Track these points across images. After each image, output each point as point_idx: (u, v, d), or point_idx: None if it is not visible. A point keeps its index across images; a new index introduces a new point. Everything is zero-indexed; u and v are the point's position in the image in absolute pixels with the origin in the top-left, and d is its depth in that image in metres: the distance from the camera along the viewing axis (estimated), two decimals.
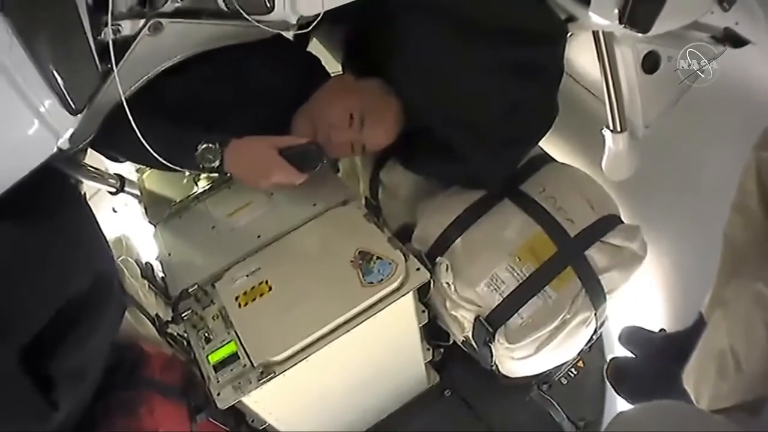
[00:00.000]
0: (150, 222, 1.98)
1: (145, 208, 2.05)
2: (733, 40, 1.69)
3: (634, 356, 2.09)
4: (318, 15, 1.46)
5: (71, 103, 1.33)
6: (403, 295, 1.58)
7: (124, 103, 1.40)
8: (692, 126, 1.94)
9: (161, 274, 1.93)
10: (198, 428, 1.77)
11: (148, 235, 2.00)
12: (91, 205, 1.69)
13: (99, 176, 2.03)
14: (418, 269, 1.61)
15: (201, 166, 1.59)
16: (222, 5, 1.43)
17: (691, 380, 1.64)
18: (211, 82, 1.72)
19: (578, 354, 2.06)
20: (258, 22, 1.45)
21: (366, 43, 1.95)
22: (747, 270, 1.54)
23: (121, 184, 2.10)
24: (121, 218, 2.42)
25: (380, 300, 1.56)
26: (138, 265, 2.11)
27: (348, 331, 1.53)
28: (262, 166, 1.63)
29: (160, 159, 1.53)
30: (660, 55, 1.80)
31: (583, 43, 1.88)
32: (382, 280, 1.57)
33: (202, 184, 2.00)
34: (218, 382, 1.50)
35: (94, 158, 1.98)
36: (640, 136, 1.91)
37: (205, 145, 1.57)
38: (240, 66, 1.75)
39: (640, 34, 1.56)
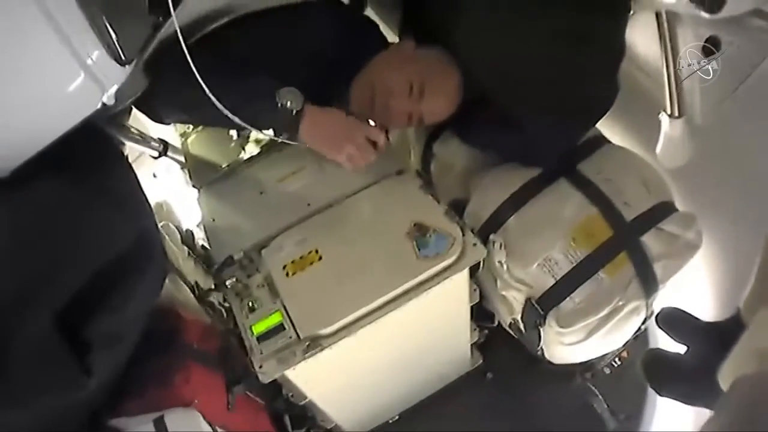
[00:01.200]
0: (194, 186, 1.92)
1: (189, 172, 1.98)
2: None
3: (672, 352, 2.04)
4: None
5: (120, 53, 1.27)
6: (459, 271, 1.53)
7: (185, 49, 1.34)
8: (750, 115, 1.87)
9: (202, 242, 1.87)
10: (235, 401, 1.74)
11: (189, 202, 1.95)
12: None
13: (142, 139, 1.99)
14: (474, 245, 1.56)
15: (280, 116, 1.55)
16: None
17: (729, 382, 1.58)
18: (273, 40, 1.67)
19: (624, 344, 2.00)
20: None
21: (423, 9, 1.89)
22: None
23: (164, 148, 2.07)
24: (162, 184, 2.37)
25: (435, 275, 1.51)
26: (179, 232, 2.07)
27: (400, 305, 1.48)
28: (345, 134, 1.61)
29: (226, 111, 1.47)
30: (721, 40, 1.73)
31: (644, 24, 1.81)
32: (438, 253, 1.51)
33: (250, 150, 1.94)
34: (261, 353, 1.45)
35: (137, 121, 1.94)
36: (697, 122, 1.85)
37: (286, 92, 1.53)
38: (300, 26, 1.70)
39: (705, 16, 1.49)
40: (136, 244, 1.44)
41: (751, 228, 1.60)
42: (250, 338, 1.49)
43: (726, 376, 1.57)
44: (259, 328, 1.49)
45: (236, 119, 1.49)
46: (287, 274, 1.56)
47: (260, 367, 1.44)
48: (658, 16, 1.70)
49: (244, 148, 1.94)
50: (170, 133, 2.14)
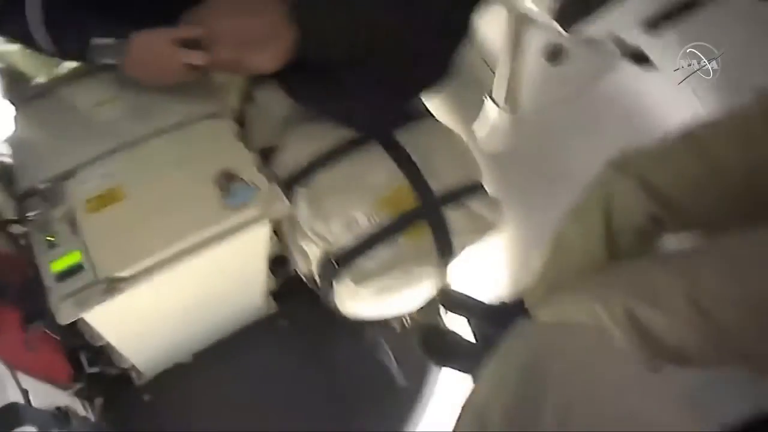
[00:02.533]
0: (9, 101, 1.78)
1: (7, 84, 1.84)
2: (639, 58, 1.73)
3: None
4: None
5: None
6: (261, 224, 1.57)
7: None
8: (571, 121, 1.98)
9: (8, 161, 1.76)
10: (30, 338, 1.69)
11: (4, 115, 1.82)
12: None
13: None
14: (280, 199, 1.59)
15: (95, 59, 1.51)
16: None
17: None
18: None
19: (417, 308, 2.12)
20: None
21: None
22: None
23: None
24: None
25: (238, 225, 1.54)
26: None
27: (200, 253, 1.50)
28: (163, 62, 1.57)
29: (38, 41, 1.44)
30: (565, 48, 1.82)
31: (491, 13, 1.87)
32: (243, 203, 1.54)
33: (69, 65, 1.82)
34: (59, 295, 1.41)
35: None
36: (517, 114, 1.95)
37: (100, 41, 1.49)
38: None
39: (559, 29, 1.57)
40: None
41: (548, 222, 1.73)
42: (48, 276, 1.44)
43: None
44: (58, 266, 1.44)
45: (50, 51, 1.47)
46: (89, 211, 1.51)
47: (58, 308, 1.40)
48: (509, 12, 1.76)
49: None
50: None
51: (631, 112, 1.79)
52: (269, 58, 1.72)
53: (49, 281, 1.43)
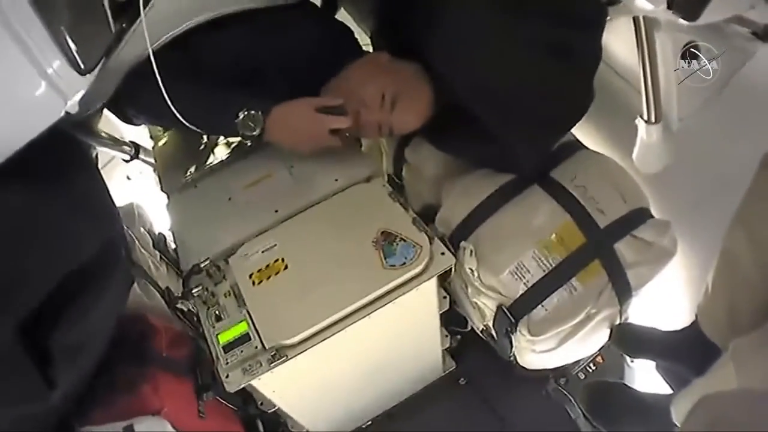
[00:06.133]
0: (163, 191, 1.92)
1: (159, 177, 1.98)
2: None
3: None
4: None
5: (80, 64, 1.26)
6: (426, 281, 1.51)
7: (152, 56, 1.37)
8: (727, 123, 1.86)
9: (174, 246, 1.86)
10: (205, 407, 1.74)
11: (162, 205, 1.93)
12: (104, 173, 1.65)
13: (113, 142, 1.97)
14: (443, 254, 1.54)
15: (240, 133, 1.56)
16: None
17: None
18: (246, 44, 1.67)
19: (599, 349, 1.99)
20: None
21: (399, 19, 1.86)
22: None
23: (135, 151, 2.06)
24: (136, 186, 2.36)
25: (402, 284, 1.50)
26: (150, 236, 2.06)
27: (366, 315, 1.47)
28: (308, 128, 1.61)
29: (189, 123, 1.50)
30: (700, 47, 1.72)
31: (622, 29, 1.80)
32: (405, 263, 1.50)
33: (220, 154, 1.93)
34: (227, 363, 1.45)
35: (109, 124, 1.92)
36: (674, 129, 1.84)
37: (246, 112, 1.54)
38: (274, 30, 1.69)
39: (683, 23, 1.48)
40: (101, 253, 1.43)
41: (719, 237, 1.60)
42: (216, 347, 1.48)
43: (679, 408, 1.56)
44: (225, 337, 1.49)
45: (195, 128, 1.51)
46: (253, 283, 1.55)
47: (227, 376, 1.44)
48: (635, 21, 1.69)
49: (213, 151, 1.94)
50: (143, 134, 2.12)
51: None
52: (414, 116, 1.77)
53: (217, 351, 1.48)
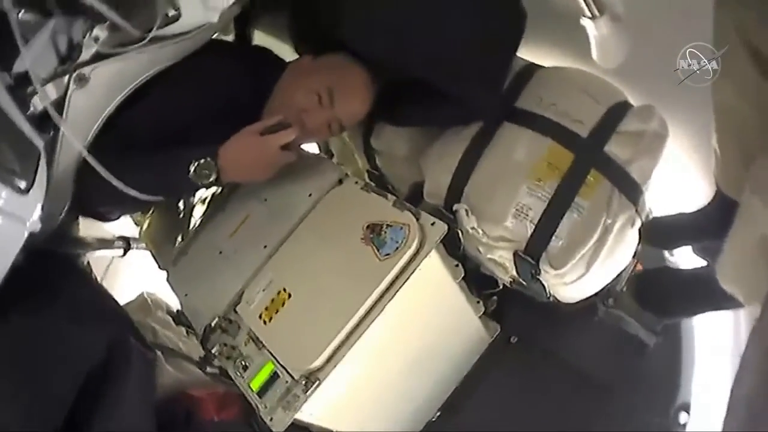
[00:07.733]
0: (162, 269, 1.93)
1: (154, 257, 2.00)
2: None
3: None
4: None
5: (19, 185, 1.31)
6: (426, 256, 1.46)
7: (88, 157, 1.38)
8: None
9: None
10: None
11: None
12: (111, 271, 1.68)
13: (100, 244, 1.99)
14: (433, 224, 1.49)
15: (198, 183, 1.56)
16: (135, 33, 1.42)
17: (728, 279, 1.51)
18: (173, 101, 1.66)
19: (634, 257, 1.91)
20: (181, 33, 1.47)
21: (310, 20, 1.87)
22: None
23: (126, 244, 2.07)
24: (148, 272, 2.38)
25: (403, 268, 1.45)
26: (170, 315, 2.07)
27: (380, 312, 1.43)
28: (259, 154, 1.59)
29: (148, 195, 1.50)
30: None
31: None
32: (398, 247, 1.46)
33: (199, 214, 1.93)
34: (266, 407, 1.45)
35: (95, 227, 1.94)
36: (621, 13, 1.78)
37: (196, 163, 1.54)
38: (195, 79, 1.67)
39: None
40: (109, 351, 1.47)
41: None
42: (252, 395, 1.49)
43: (725, 276, 1.50)
44: (257, 383, 1.49)
45: (156, 198, 1.54)
46: (265, 322, 1.53)
47: (270, 419, 1.44)
48: None
49: (192, 214, 1.94)
50: (130, 226, 2.14)
51: None
52: (357, 101, 1.77)
53: (254, 399, 1.48)
